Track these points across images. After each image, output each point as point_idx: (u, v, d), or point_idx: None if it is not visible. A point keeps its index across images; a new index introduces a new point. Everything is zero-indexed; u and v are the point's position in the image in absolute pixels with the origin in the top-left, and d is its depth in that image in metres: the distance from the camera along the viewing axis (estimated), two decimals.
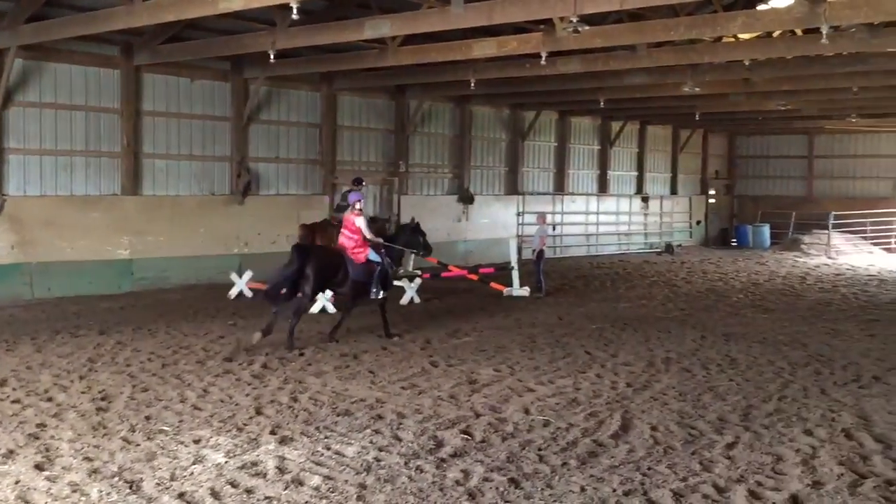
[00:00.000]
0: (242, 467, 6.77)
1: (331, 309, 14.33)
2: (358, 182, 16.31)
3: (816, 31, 11.46)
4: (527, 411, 8.60)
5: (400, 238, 13.39)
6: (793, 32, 15.12)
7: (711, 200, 34.85)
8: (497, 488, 6.40)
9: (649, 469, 6.92)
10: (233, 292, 16.32)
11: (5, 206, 15.27)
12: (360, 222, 11.89)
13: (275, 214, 19.40)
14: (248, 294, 16.28)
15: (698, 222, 33.91)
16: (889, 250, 30.68)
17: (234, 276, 16.48)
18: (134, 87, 16.98)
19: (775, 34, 15.47)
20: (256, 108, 19.08)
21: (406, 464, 6.92)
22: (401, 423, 8.07)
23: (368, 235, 11.98)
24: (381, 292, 12.03)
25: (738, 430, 8.10)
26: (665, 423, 8.24)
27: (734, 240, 33.36)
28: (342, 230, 12.12)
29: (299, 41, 14.43)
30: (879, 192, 32.56)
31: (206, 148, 18.37)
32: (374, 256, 11.96)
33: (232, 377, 9.83)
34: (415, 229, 13.69)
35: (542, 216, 18.77)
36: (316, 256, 11.61)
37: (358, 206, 12.04)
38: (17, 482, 6.37)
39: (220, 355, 10.97)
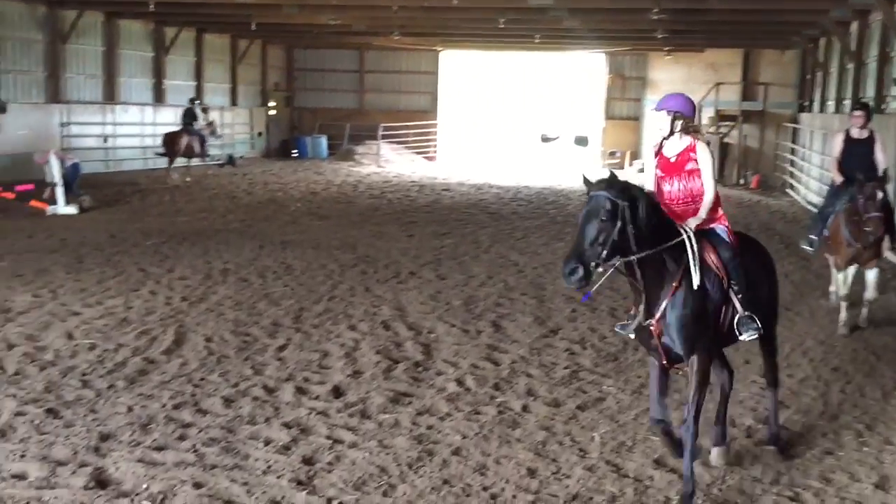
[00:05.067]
0: None
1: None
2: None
3: None
4: (70, 336, 8.01)
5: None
6: None
7: (272, 112, 35.22)
8: (32, 421, 5.90)
9: (202, 380, 6.94)
10: None
11: None
12: (704, 158, 5.45)
13: None
14: None
15: (259, 134, 34.14)
16: (429, 158, 34.10)
17: None
18: None
19: None
20: None
21: None
22: None
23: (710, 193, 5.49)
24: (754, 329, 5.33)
25: (289, 332, 8.46)
26: (220, 333, 8.29)
27: (294, 151, 34.27)
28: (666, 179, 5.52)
29: None
30: (421, 105, 35.75)
31: None
32: (722, 232, 5.48)
33: None
34: None
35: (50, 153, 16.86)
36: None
37: (678, 125, 5.45)
38: None
39: None
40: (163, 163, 23.78)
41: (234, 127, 32.28)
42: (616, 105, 34.22)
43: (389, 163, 31.05)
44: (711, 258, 5.23)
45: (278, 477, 5.15)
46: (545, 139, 33.20)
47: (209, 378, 6.98)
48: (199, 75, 30.41)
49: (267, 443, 5.65)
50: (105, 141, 24.73)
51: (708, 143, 5.66)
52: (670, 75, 32.03)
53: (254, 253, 12.74)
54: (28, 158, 21.41)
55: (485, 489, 5.13)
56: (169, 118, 28.37)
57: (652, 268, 5.06)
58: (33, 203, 16.10)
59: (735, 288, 5.25)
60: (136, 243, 13.23)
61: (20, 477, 5.05)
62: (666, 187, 5.50)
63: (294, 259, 12.34)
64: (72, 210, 16.06)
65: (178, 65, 29.21)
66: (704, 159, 5.43)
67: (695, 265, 5.07)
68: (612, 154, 33.30)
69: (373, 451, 5.59)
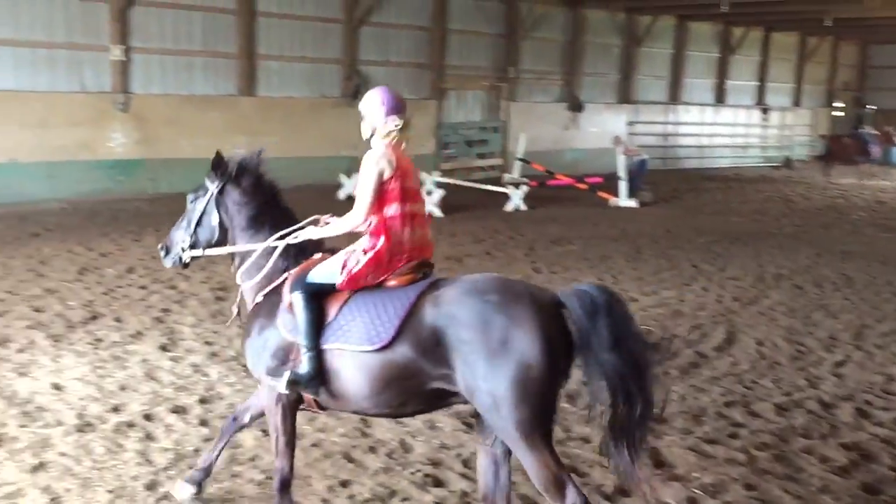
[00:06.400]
0: None
1: None
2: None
3: None
4: None
5: None
6: None
7: (839, 113, 32.93)
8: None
9: (752, 382, 6.86)
10: (342, 194, 16.68)
11: (131, 103, 15.92)
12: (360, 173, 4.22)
13: None
14: None
15: (821, 136, 32.23)
16: None
17: (343, 178, 16.82)
18: None
19: None
20: (367, 11, 19.01)
21: None
22: None
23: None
24: None
25: (848, 348, 7.88)
26: (772, 339, 8.09)
27: (860, 155, 31.57)
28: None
29: None
30: None
31: (318, 50, 18.51)
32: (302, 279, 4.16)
33: None
34: None
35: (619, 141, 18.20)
36: None
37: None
38: (144, 360, 6.86)
39: None
40: (727, 162, 24.15)
41: (793, 128, 31.04)
42: None
43: None
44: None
45: (836, 500, 4.86)
46: None
47: (760, 382, 6.87)
48: (762, 75, 29.86)
49: (823, 460, 5.36)
50: (665, 139, 25.84)
51: (385, 156, 4.02)
52: None
53: (810, 260, 12.13)
54: (598, 154, 23.50)
55: None
56: (727, 118, 28.48)
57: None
58: (600, 194, 17.58)
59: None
60: (689, 239, 13.59)
61: (585, 440, 5.59)
62: None
63: (855, 271, 11.42)
64: (632, 203, 17.14)
65: (741, 65, 29.09)
66: (360, 174, 4.08)
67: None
68: None
69: None
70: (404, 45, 19.99)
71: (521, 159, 19.27)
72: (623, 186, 17.33)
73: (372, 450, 5.36)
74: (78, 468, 4.97)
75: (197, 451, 5.20)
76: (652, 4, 23.58)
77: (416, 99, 20.28)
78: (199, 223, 4.53)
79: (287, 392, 4.04)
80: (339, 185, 16.84)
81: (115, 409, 5.85)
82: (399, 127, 4.15)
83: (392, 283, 4.02)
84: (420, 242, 4.13)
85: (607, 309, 3.68)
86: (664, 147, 25.90)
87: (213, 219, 4.47)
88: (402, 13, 19.81)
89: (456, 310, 3.73)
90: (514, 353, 3.59)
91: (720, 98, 28.47)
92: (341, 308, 3.99)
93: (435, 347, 3.74)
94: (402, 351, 3.79)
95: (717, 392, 6.59)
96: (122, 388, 6.25)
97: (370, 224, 4.07)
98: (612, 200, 17.33)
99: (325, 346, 3.96)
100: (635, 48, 25.37)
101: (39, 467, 4.96)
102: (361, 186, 4.06)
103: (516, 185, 16.86)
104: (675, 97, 26.97)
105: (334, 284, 4.03)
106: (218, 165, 4.51)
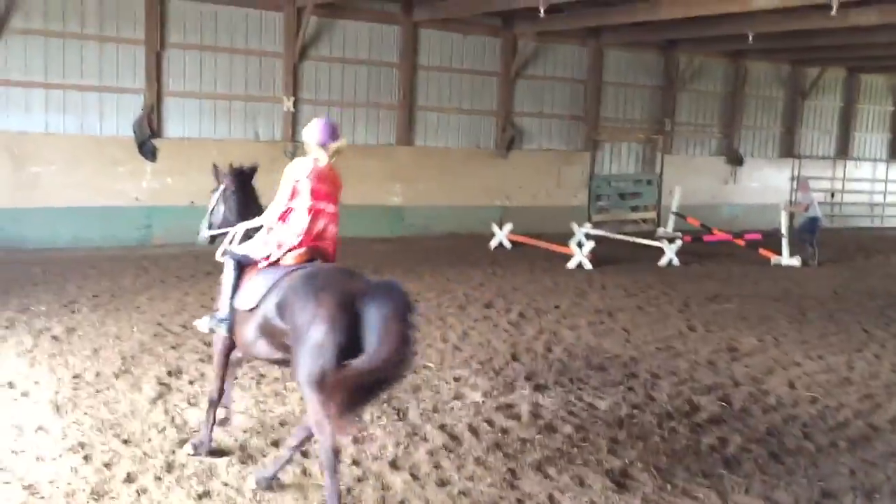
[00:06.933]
0: (498, 408, 7.08)
1: None
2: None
3: None
4: (792, 385, 8.15)
5: None
6: None
7: None
8: (756, 460, 6.17)
9: None
10: (493, 243, 16.85)
11: (298, 151, 16.81)
12: None
13: (536, 169, 19.64)
14: (508, 246, 16.73)
15: None
16: None
17: (495, 228, 16.99)
18: (411, 42, 17.85)
19: None
20: (523, 64, 19.30)
21: (659, 424, 6.86)
22: (655, 384, 7.99)
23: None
24: None
25: None
26: None
27: None
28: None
29: None
30: None
31: (475, 102, 18.93)
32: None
33: (490, 323, 10.23)
34: None
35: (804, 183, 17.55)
36: None
37: None
38: (302, 398, 7.12)
39: (479, 301, 11.43)
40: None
41: None
42: None
43: None
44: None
45: None
46: None
47: None
48: None
49: None
50: (832, 196, 24.55)
51: (303, 165, 5.63)
52: None
53: None
54: (758, 209, 22.65)
55: None
56: None
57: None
58: (761, 251, 16.86)
59: None
60: (859, 302, 12.78)
61: None
62: None
63: None
64: (794, 262, 16.34)
65: None
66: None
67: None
68: None
69: None
70: (559, 96, 20.11)
71: (675, 213, 18.85)
72: (784, 244, 16.56)
73: (519, 502, 5.32)
74: (240, 499, 5.22)
75: (349, 490, 5.34)
76: (819, 57, 22.61)
77: (568, 150, 20.29)
78: (212, 211, 6.24)
79: (211, 329, 5.63)
80: (491, 235, 17.02)
81: (275, 444, 6.10)
82: (327, 150, 5.65)
83: (289, 261, 5.37)
84: (318, 232, 5.52)
85: (388, 310, 4.62)
86: (831, 204, 24.60)
87: (220, 207, 6.17)
88: (558, 66, 19.98)
89: (294, 288, 4.99)
90: (311, 332, 4.75)
91: (895, 153, 26.83)
92: (248, 280, 5.43)
93: (281, 314, 5.02)
94: (262, 312, 5.17)
95: (892, 469, 6.12)
96: (282, 424, 6.53)
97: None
98: (774, 259, 16.58)
99: (234, 305, 5.45)
100: (801, 101, 24.40)
101: (204, 495, 5.24)
102: (281, 185, 5.47)
103: (670, 239, 16.46)
104: (843, 152, 25.65)
105: (246, 255, 5.54)
106: (216, 172, 6.31)
